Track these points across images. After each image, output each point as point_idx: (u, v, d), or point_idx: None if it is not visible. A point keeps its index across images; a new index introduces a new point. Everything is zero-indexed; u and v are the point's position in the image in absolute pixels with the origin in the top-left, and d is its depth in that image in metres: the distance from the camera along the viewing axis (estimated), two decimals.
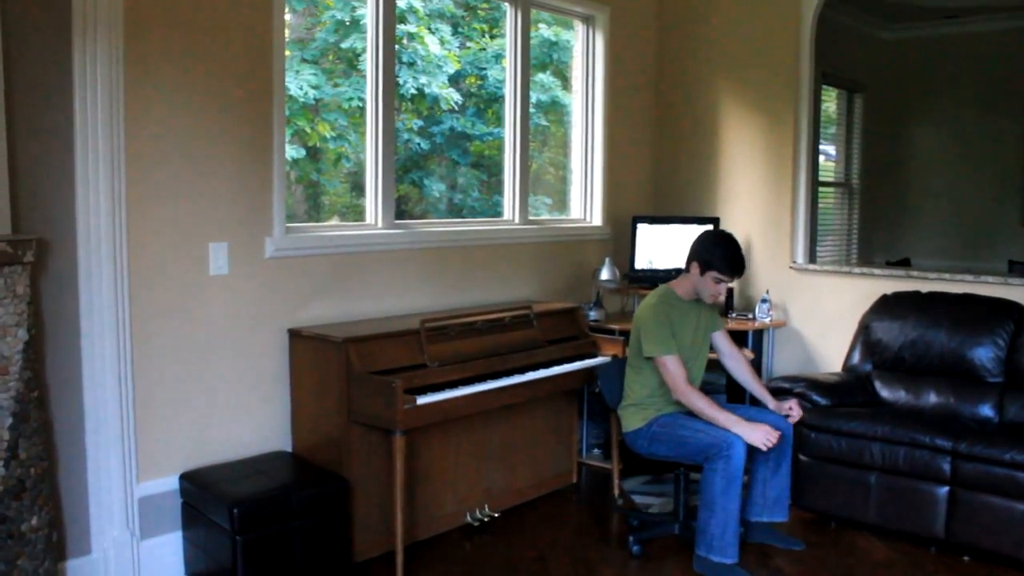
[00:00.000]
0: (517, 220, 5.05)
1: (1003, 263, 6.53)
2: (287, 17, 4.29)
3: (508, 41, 4.97)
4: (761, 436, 3.57)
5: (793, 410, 3.85)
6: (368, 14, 4.24)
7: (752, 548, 3.89)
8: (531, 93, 5.17)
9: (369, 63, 4.26)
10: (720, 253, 3.78)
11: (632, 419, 3.87)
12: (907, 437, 3.89)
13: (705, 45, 5.61)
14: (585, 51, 5.46)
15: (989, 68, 7.13)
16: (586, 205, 5.55)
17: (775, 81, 5.31)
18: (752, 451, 3.73)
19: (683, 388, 3.71)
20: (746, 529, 3.89)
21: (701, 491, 3.62)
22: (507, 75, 4.98)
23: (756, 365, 5.06)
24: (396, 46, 4.47)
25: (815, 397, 4.27)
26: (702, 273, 3.80)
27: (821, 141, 6.89)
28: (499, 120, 5.09)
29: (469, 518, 4.11)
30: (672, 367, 3.73)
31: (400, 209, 4.60)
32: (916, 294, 4.60)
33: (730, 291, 5.17)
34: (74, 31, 3.15)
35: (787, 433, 3.81)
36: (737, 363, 4.09)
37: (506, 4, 4.95)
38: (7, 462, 2.84)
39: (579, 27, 5.45)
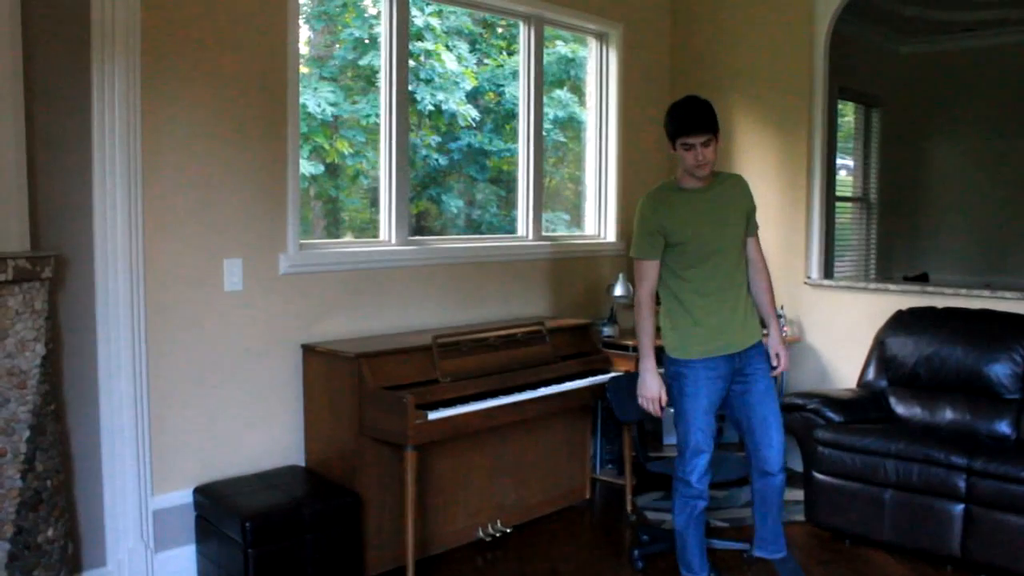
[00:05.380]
0: (531, 236, 5.07)
1: (1023, 278, 6.48)
2: (308, 35, 4.36)
3: (521, 58, 5.01)
4: (643, 401, 3.46)
5: (780, 358, 3.56)
6: (382, 31, 4.30)
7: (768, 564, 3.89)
8: (549, 110, 5.21)
9: (383, 80, 4.30)
10: (670, 116, 3.40)
11: (666, 340, 3.57)
12: (921, 454, 3.85)
13: (718, 60, 5.62)
14: (599, 68, 5.49)
15: (1008, 81, 7.09)
16: (600, 221, 5.56)
17: (789, 96, 5.31)
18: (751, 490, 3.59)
19: (642, 296, 3.47)
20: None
21: None
22: (520, 91, 5.01)
23: None
24: (414, 63, 4.53)
25: (829, 413, 4.24)
26: (674, 148, 3.40)
27: (839, 156, 6.88)
28: (516, 136, 5.12)
29: (481, 533, 4.12)
30: (643, 271, 3.47)
31: (420, 225, 4.64)
32: (931, 310, 4.57)
33: None
34: (92, 49, 3.23)
35: (774, 480, 3.53)
36: (758, 274, 3.64)
37: (520, 21, 4.99)
38: (24, 474, 2.89)
39: (593, 44, 5.48)
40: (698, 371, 3.43)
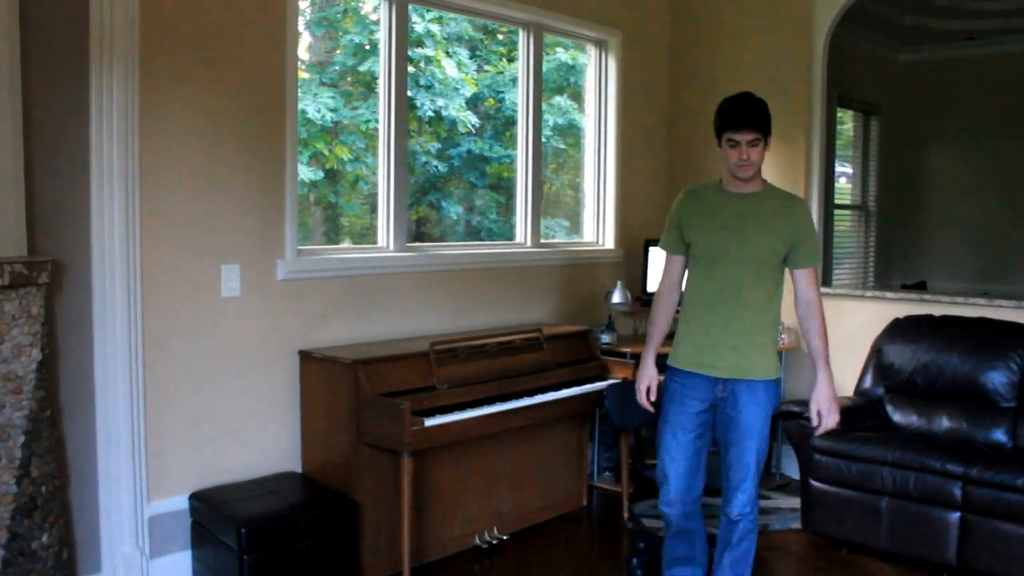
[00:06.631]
0: (529, 243, 5.07)
1: (1021, 286, 6.48)
2: (308, 40, 4.37)
3: (520, 65, 5.01)
4: (638, 394, 3.36)
5: (823, 418, 3.26)
6: (381, 37, 4.30)
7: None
8: (548, 116, 5.21)
9: (382, 86, 4.31)
10: (719, 110, 3.19)
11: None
12: (917, 462, 3.86)
13: (717, 68, 5.63)
14: (598, 75, 5.49)
15: (1007, 90, 7.09)
16: (598, 228, 5.57)
17: (788, 103, 5.30)
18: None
19: (659, 288, 3.38)
20: None
21: None
22: (520, 98, 5.02)
23: None
24: (414, 69, 4.53)
25: None
26: (720, 145, 3.18)
27: (838, 163, 6.88)
28: (516, 143, 5.11)
29: (478, 540, 4.12)
30: (665, 263, 3.37)
31: (420, 231, 4.62)
32: (929, 318, 4.57)
33: None
34: (91, 55, 3.23)
35: (734, 527, 3.26)
36: (808, 311, 3.24)
37: (519, 28, 5.00)
38: (19, 480, 2.89)
39: (592, 51, 5.49)
40: (675, 383, 3.27)
